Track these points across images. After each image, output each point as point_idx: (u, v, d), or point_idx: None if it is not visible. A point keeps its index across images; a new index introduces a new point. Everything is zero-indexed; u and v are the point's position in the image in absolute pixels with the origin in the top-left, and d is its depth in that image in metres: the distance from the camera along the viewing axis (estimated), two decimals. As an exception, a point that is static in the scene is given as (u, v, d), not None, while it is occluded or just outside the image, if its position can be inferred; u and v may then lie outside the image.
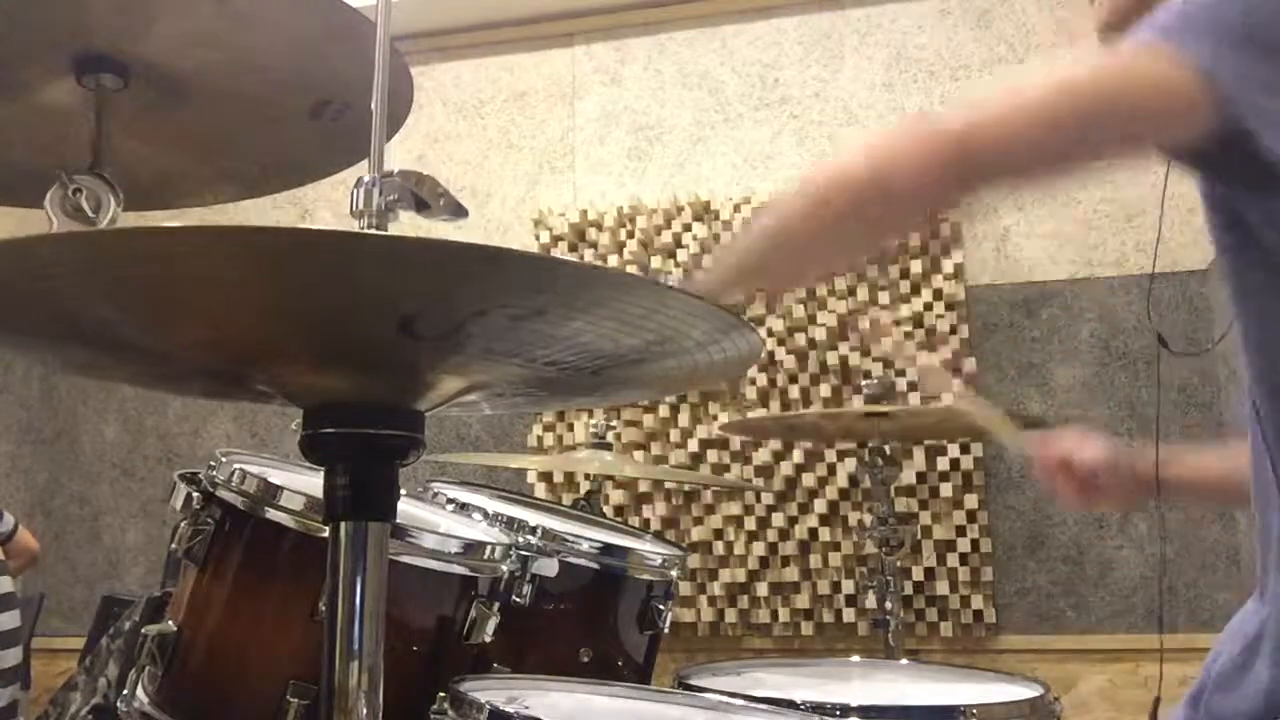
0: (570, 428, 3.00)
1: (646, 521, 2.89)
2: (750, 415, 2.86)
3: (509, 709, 1.11)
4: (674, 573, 1.64)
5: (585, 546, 1.54)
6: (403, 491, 0.86)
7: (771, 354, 2.87)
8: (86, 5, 1.07)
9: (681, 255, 2.98)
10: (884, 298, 2.86)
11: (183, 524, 1.34)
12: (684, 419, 2.92)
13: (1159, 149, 0.94)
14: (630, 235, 3.03)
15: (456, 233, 0.99)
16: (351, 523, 0.82)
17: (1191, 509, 2.68)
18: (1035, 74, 0.89)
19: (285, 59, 1.16)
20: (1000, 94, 0.88)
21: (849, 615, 2.78)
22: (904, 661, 2.06)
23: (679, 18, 3.19)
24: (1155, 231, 2.69)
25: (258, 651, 1.27)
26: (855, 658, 2.02)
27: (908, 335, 2.83)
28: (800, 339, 2.87)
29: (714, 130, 3.13)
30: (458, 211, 0.86)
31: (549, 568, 1.44)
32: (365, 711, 0.80)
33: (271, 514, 1.28)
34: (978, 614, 2.74)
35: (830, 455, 2.83)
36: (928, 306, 2.84)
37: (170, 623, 1.31)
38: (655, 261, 3.00)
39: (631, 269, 2.94)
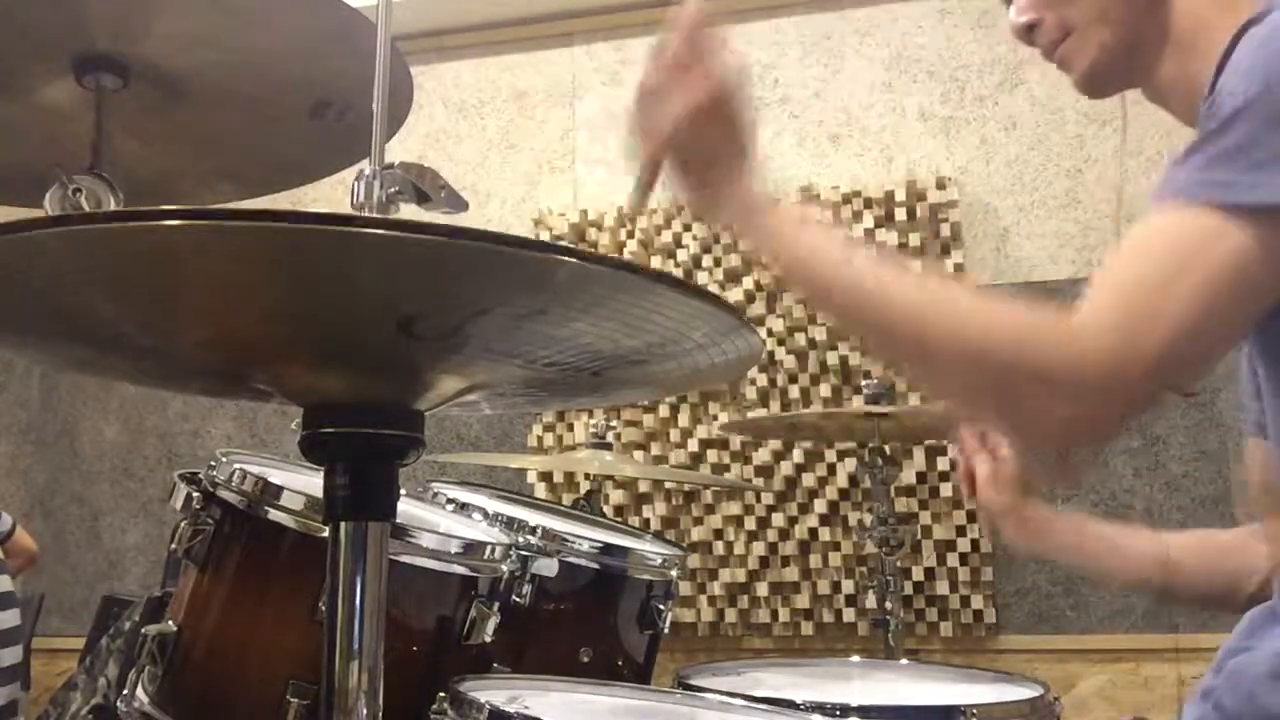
0: (570, 428, 3.00)
1: (646, 521, 2.89)
2: (750, 415, 2.86)
3: (509, 709, 1.11)
4: (674, 573, 1.64)
5: (585, 546, 1.54)
6: (403, 491, 0.86)
7: (771, 354, 2.87)
8: (86, 5, 1.07)
9: (681, 255, 2.98)
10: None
11: (183, 524, 1.34)
12: (684, 419, 2.92)
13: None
14: (630, 235, 3.03)
15: (457, 232, 0.99)
16: (351, 523, 0.82)
17: (1191, 510, 2.69)
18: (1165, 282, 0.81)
19: (285, 59, 1.16)
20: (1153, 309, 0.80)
21: (849, 615, 2.78)
22: (904, 661, 2.06)
23: (679, 18, 3.18)
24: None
25: (258, 651, 1.27)
26: (855, 658, 2.02)
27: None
28: (800, 339, 2.86)
29: (714, 130, 3.12)
30: (458, 204, 0.86)
31: (549, 568, 1.44)
32: (365, 711, 0.80)
33: (271, 514, 1.28)
34: (978, 614, 2.74)
35: (830, 455, 2.82)
36: (928, 306, 2.83)
37: (170, 623, 1.31)
38: (655, 261, 3.00)
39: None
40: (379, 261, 0.65)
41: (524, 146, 3.26)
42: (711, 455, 2.90)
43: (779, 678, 1.66)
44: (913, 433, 2.68)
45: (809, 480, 2.83)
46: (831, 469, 2.82)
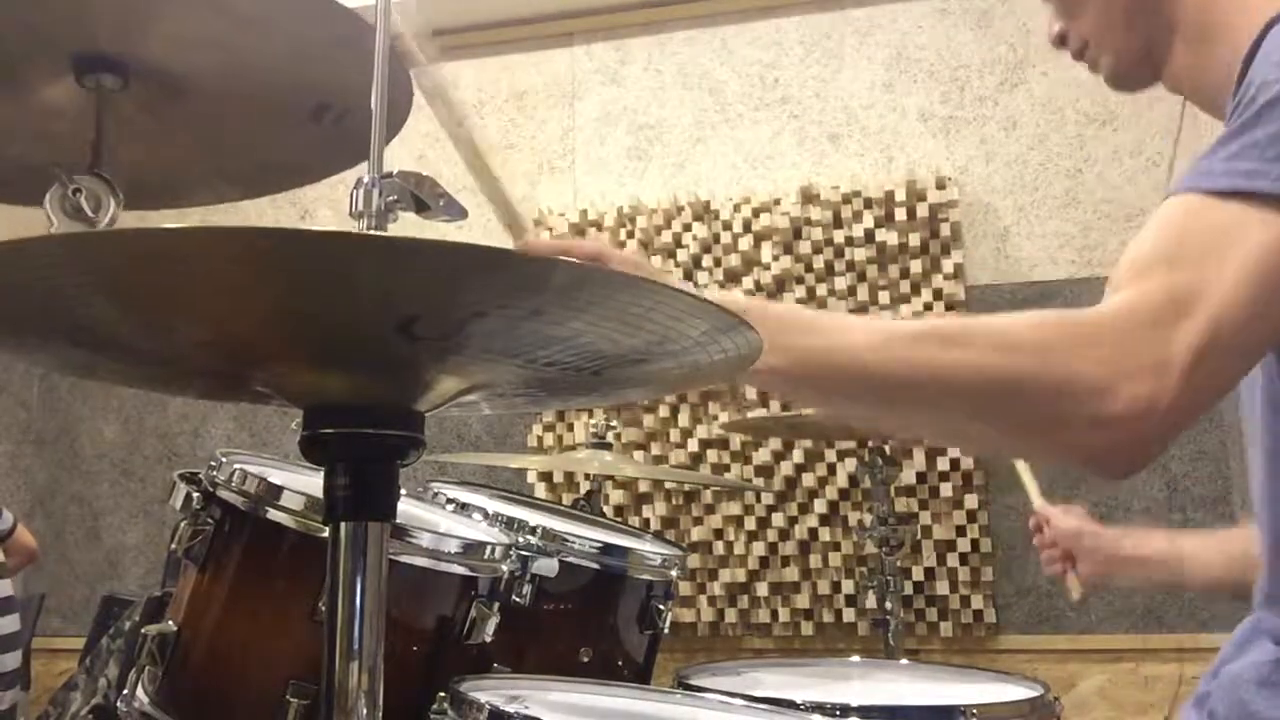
0: (570, 428, 3.00)
1: (646, 521, 2.89)
2: (750, 415, 2.86)
3: (509, 709, 1.11)
4: (674, 573, 1.64)
5: (585, 546, 1.54)
6: (403, 491, 0.86)
7: (771, 354, 2.87)
8: (87, 5, 1.07)
9: (681, 255, 2.98)
10: (884, 297, 2.86)
11: (183, 524, 1.34)
12: (684, 419, 2.92)
13: None
14: (630, 235, 3.03)
15: (457, 233, 0.99)
16: (351, 523, 0.82)
17: (1191, 510, 2.69)
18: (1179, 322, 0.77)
19: (285, 62, 1.16)
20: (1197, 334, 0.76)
21: (849, 615, 2.78)
22: (904, 661, 2.06)
23: (679, 18, 3.19)
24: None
25: (258, 651, 1.27)
26: (855, 658, 2.02)
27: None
28: (800, 339, 2.86)
29: (714, 130, 3.13)
30: (457, 211, 0.87)
31: (549, 568, 1.44)
32: (365, 711, 0.80)
33: (271, 514, 1.28)
34: (978, 614, 2.74)
35: (830, 455, 2.82)
36: (928, 306, 2.84)
37: (170, 623, 1.31)
38: (655, 261, 3.00)
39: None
40: (379, 263, 0.65)
41: (524, 146, 3.26)
42: (711, 455, 2.90)
43: (779, 678, 1.66)
44: (913, 433, 2.69)
45: (809, 480, 2.83)
46: (831, 469, 2.82)
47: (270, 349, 0.78)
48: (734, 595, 2.85)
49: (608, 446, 2.12)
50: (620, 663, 1.59)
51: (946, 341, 0.83)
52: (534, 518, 1.56)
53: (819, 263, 2.90)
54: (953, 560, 2.75)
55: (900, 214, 2.86)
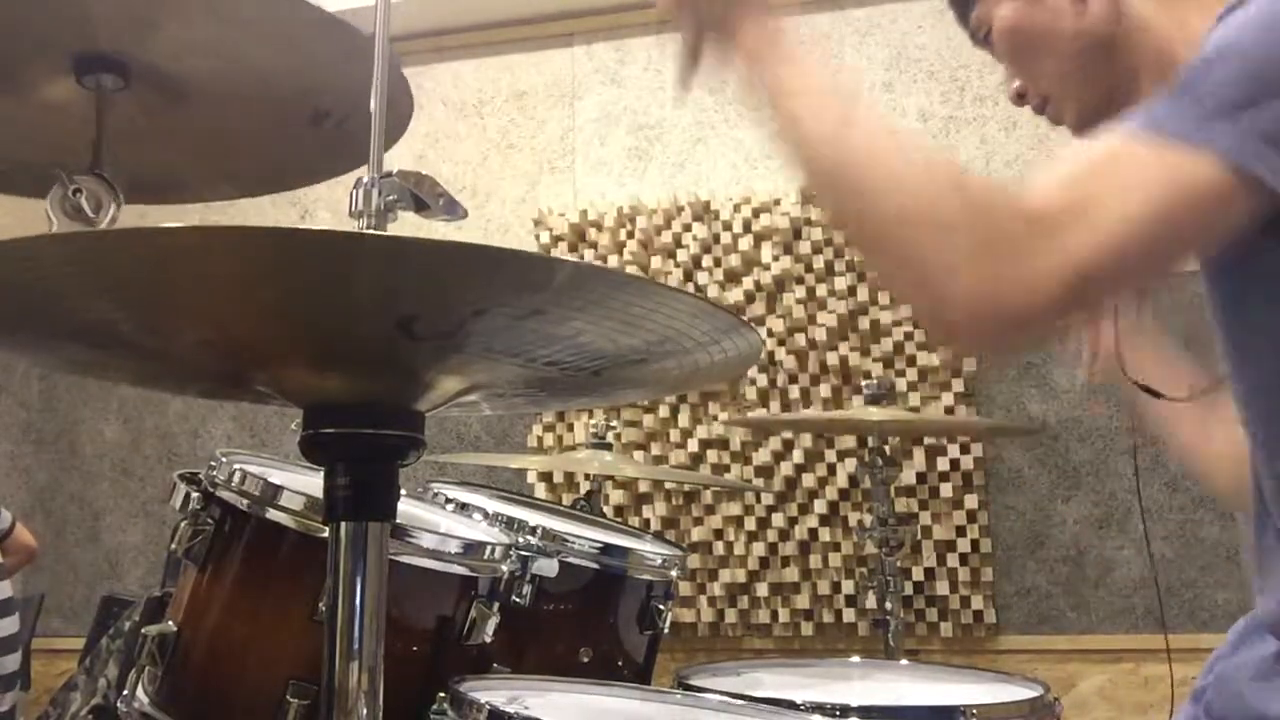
0: (570, 428, 3.00)
1: (646, 521, 2.89)
2: (750, 415, 2.86)
3: (509, 709, 1.11)
4: (674, 573, 1.64)
5: (585, 546, 1.54)
6: (403, 491, 0.86)
7: (771, 354, 2.87)
8: (87, 5, 1.07)
9: (681, 255, 2.98)
10: (884, 298, 2.86)
11: (183, 524, 1.34)
12: (684, 419, 2.92)
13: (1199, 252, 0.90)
14: (630, 235, 3.03)
15: (456, 233, 0.99)
16: (351, 523, 0.82)
17: (1191, 510, 2.68)
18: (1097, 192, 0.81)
19: (285, 68, 1.16)
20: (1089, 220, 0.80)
21: (849, 615, 2.78)
22: (904, 661, 2.06)
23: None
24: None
25: (258, 651, 1.27)
26: (855, 658, 2.02)
27: (908, 336, 2.83)
28: (800, 339, 2.86)
29: (714, 130, 3.13)
30: (457, 211, 0.87)
31: (549, 568, 1.44)
32: (365, 711, 0.80)
33: (271, 514, 1.28)
34: (978, 614, 2.74)
35: (830, 455, 2.82)
36: (928, 306, 2.83)
37: (170, 623, 1.31)
38: (655, 261, 3.00)
39: (632, 269, 2.94)
40: (379, 262, 0.65)
41: (524, 146, 3.26)
42: (711, 455, 2.90)
43: (779, 678, 1.66)
44: (913, 433, 2.69)
45: (809, 480, 2.83)
46: (831, 469, 2.82)
47: (270, 349, 0.78)
48: (734, 595, 2.85)
49: (608, 446, 2.12)
50: (620, 663, 1.59)
51: (874, 153, 0.87)
52: (534, 518, 1.56)
53: (819, 263, 2.90)
54: (953, 560, 2.75)
55: (900, 214, 2.85)
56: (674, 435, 2.92)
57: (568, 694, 1.32)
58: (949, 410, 2.76)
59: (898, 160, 0.87)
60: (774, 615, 2.83)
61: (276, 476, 1.33)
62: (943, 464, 2.77)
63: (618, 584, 1.59)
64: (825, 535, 2.81)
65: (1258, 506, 0.98)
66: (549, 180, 3.22)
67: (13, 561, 2.63)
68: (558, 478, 2.97)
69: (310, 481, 1.28)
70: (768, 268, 2.91)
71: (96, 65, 1.12)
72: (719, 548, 2.86)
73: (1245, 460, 0.99)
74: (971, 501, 2.75)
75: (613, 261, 3.00)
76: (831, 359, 2.84)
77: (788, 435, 2.83)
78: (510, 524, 1.50)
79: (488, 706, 1.08)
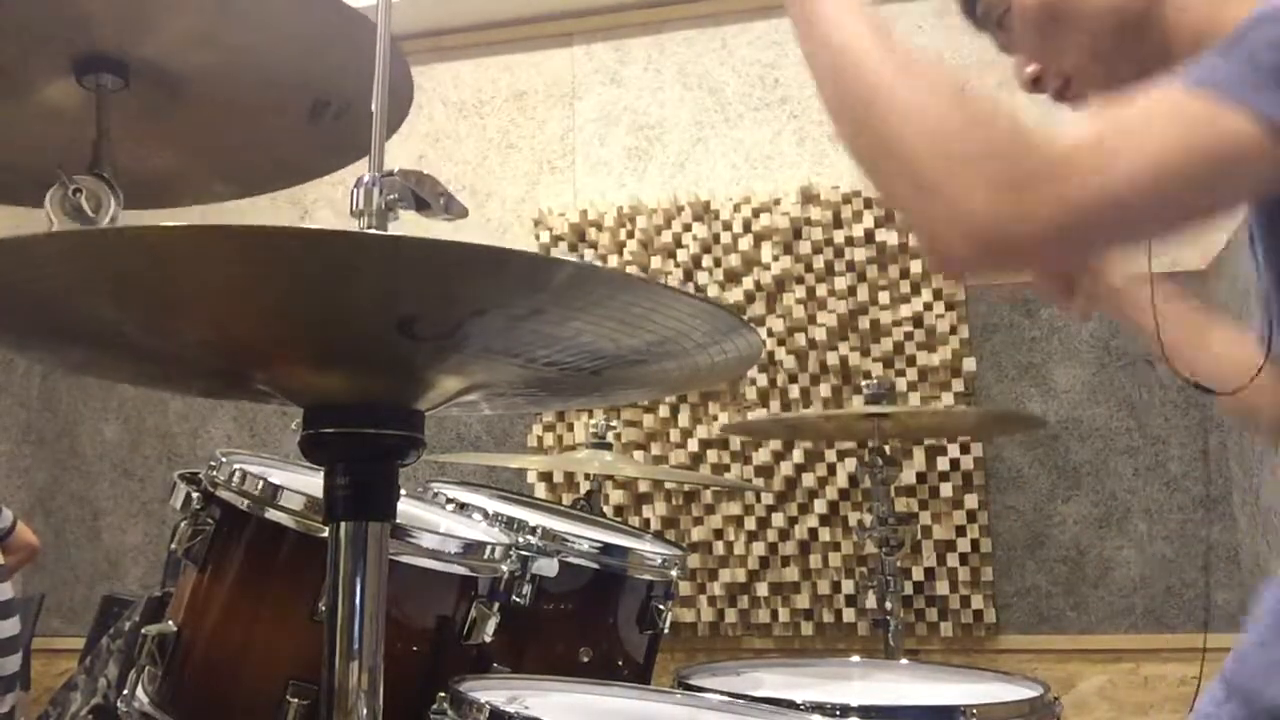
0: (570, 428, 3.01)
1: (646, 521, 2.89)
2: (750, 415, 2.86)
3: (509, 709, 1.11)
4: (674, 573, 1.64)
5: (585, 546, 1.54)
6: (403, 491, 0.86)
7: (771, 354, 2.87)
8: (86, 5, 1.07)
9: (681, 255, 2.98)
10: (884, 298, 2.86)
11: (183, 524, 1.34)
12: (684, 419, 2.92)
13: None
14: (630, 235, 3.03)
15: (456, 233, 0.99)
16: (351, 523, 0.82)
17: (1191, 510, 2.69)
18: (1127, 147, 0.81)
19: (285, 59, 1.16)
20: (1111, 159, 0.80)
21: (849, 615, 2.78)
22: (904, 661, 2.06)
23: (679, 18, 3.19)
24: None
25: (258, 651, 1.27)
26: (855, 658, 2.02)
27: (908, 336, 2.83)
28: (800, 339, 2.87)
29: (714, 130, 3.13)
30: (458, 211, 0.86)
31: (549, 568, 1.44)
32: (365, 711, 0.80)
33: (271, 514, 1.28)
34: (978, 614, 2.74)
35: (830, 455, 2.83)
36: (927, 306, 2.84)
37: (170, 623, 1.31)
38: (655, 261, 3.00)
39: (631, 269, 2.94)
40: (379, 262, 0.65)
41: (524, 146, 3.26)
42: (711, 455, 2.90)
43: (779, 678, 1.66)
44: (913, 433, 2.69)
45: (809, 480, 2.83)
46: (831, 469, 2.83)
47: (270, 349, 0.78)
48: (734, 595, 2.85)
49: (608, 446, 2.12)
50: (620, 663, 1.59)
51: (901, 74, 0.90)
52: (534, 518, 1.56)
53: (819, 263, 2.90)
54: (953, 560, 2.75)
55: (901, 214, 2.86)
56: (674, 435, 2.92)
57: (568, 694, 1.32)
58: (949, 410, 2.76)
59: (932, 87, 0.90)
60: (774, 615, 2.83)
61: (276, 476, 1.33)
62: (943, 464, 2.77)
63: (618, 584, 1.59)
64: (825, 535, 2.81)
65: None
66: (549, 180, 3.22)
67: (15, 560, 2.63)
68: (558, 478, 2.97)
69: (310, 481, 1.28)
70: (768, 268, 2.91)
71: (96, 65, 1.12)
72: (719, 547, 2.86)
73: None
74: (971, 501, 2.75)
75: (613, 261, 3.01)
76: (831, 359, 2.84)
77: (788, 435, 2.83)
78: (510, 524, 1.50)
79: (488, 706, 1.08)
